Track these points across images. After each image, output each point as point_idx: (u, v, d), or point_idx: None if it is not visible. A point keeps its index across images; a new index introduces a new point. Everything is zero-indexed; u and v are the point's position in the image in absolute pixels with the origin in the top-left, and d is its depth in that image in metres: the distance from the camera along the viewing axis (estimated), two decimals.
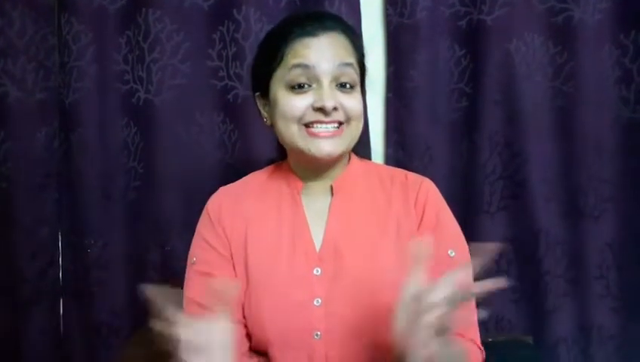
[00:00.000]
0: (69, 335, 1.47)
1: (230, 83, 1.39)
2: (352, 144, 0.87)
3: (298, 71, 0.81)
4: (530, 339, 1.34)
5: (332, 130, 0.82)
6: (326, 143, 0.82)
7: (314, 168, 0.88)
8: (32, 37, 1.38)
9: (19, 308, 1.42)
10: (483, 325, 1.39)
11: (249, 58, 1.36)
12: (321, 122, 0.81)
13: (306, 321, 0.82)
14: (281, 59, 0.82)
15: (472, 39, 1.37)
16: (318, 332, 0.82)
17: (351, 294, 0.82)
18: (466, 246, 0.89)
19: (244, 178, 0.97)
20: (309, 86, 0.82)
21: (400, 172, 0.94)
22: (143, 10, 1.37)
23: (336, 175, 0.90)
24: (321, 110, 0.80)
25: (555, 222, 1.38)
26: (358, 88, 0.85)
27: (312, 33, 0.82)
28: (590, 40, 1.34)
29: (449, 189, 1.32)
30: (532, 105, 1.36)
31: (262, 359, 0.86)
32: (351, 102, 0.83)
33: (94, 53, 1.40)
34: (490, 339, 1.34)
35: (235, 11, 1.37)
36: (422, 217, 0.87)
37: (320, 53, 0.81)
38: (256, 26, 1.37)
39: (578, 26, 1.34)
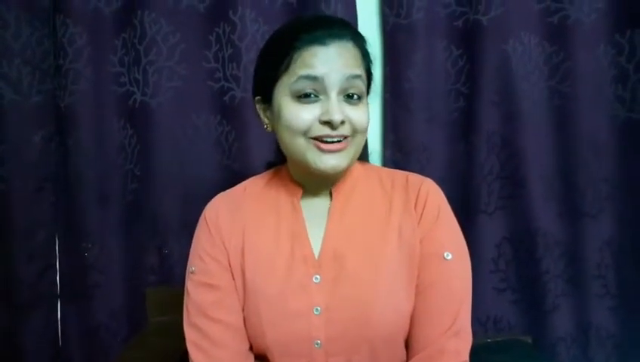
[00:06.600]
0: (67, 338, 1.46)
1: (227, 84, 1.39)
2: (357, 155, 0.85)
3: (305, 82, 0.78)
4: (529, 339, 1.34)
5: (338, 144, 0.80)
6: (332, 157, 0.80)
7: (317, 178, 0.85)
8: (28, 39, 1.38)
9: (16, 312, 1.41)
10: (482, 326, 1.40)
11: (245, 59, 1.36)
12: (328, 136, 0.79)
13: (306, 331, 0.80)
14: (288, 66, 0.79)
15: (469, 39, 1.37)
16: (319, 341, 0.80)
17: (351, 301, 0.80)
18: (465, 250, 0.87)
19: (242, 183, 0.95)
20: (316, 97, 0.79)
21: (401, 174, 0.92)
22: (139, 12, 1.37)
23: (336, 180, 0.88)
24: (328, 123, 0.78)
25: (553, 222, 1.38)
26: (364, 99, 0.83)
27: (320, 41, 0.78)
28: (586, 39, 1.34)
29: (447, 190, 1.30)
30: (529, 105, 1.36)
31: None
32: (357, 114, 0.80)
33: (90, 56, 1.39)
34: (489, 339, 1.34)
35: (230, 12, 1.36)
36: (421, 217, 0.85)
37: (329, 63, 0.77)
38: (252, 27, 1.36)
39: (574, 25, 1.34)
